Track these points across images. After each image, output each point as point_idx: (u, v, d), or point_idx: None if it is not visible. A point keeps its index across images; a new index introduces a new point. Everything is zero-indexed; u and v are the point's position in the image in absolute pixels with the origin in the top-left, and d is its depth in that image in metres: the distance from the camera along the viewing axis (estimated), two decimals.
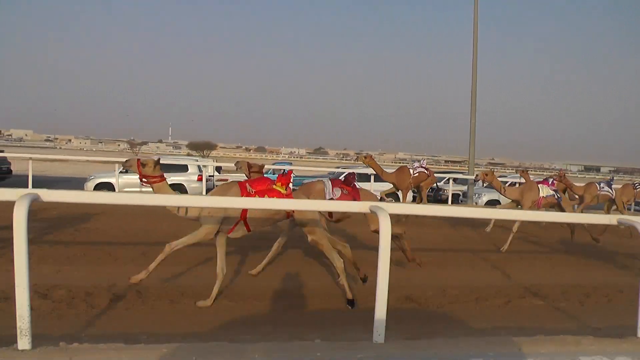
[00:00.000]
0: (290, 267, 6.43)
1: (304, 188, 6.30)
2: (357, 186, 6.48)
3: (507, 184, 12.81)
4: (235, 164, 7.18)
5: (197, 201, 4.72)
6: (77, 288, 4.86)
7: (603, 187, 11.47)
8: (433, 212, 5.27)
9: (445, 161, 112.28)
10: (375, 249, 3.41)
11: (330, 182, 6.22)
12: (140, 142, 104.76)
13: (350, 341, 3.18)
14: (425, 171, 11.40)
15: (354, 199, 6.15)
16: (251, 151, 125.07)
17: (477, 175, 9.50)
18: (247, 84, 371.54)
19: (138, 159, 4.84)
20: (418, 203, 11.41)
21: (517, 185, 12.55)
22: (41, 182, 14.38)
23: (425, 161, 12.11)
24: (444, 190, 18.54)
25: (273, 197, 4.75)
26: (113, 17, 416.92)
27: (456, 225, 10.85)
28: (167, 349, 2.86)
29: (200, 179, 15.51)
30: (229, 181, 5.72)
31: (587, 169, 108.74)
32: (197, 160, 17.18)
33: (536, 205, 9.21)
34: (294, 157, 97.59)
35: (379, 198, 7.55)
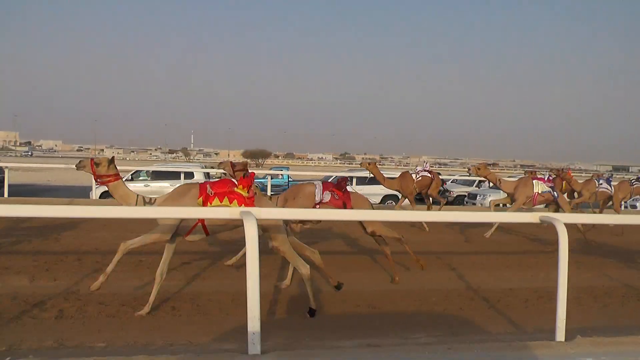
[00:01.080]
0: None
1: (294, 189, 6.26)
2: (350, 190, 6.49)
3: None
4: (219, 164, 7.26)
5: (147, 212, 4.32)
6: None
7: (602, 184, 11.22)
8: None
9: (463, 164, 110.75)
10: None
11: (321, 185, 6.20)
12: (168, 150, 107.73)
13: None
14: (429, 174, 11.05)
15: (344, 204, 6.16)
16: (280, 157, 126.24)
17: (469, 168, 9.34)
18: (273, 89, 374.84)
19: (92, 159, 4.77)
20: (428, 209, 11.17)
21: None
22: (31, 191, 14.83)
23: (428, 164, 11.85)
24: (451, 191, 19.10)
25: (234, 199, 4.68)
26: (145, 27, 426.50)
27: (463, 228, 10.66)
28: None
29: None
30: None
31: (616, 169, 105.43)
32: (203, 167, 17.34)
33: (531, 202, 8.93)
34: (323, 162, 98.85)
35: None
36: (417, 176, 10.95)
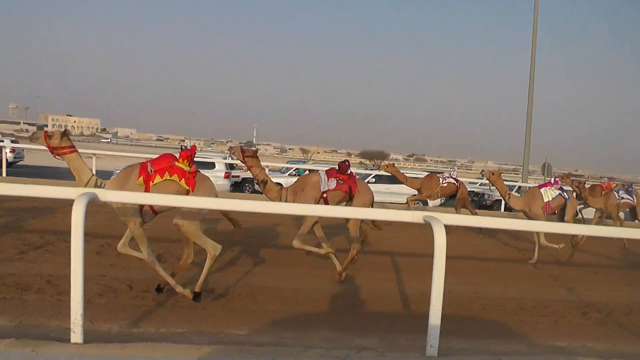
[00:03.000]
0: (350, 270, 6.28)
1: (301, 181, 6.35)
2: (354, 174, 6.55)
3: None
4: (228, 149, 7.24)
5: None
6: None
7: (622, 196, 10.37)
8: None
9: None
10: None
11: (325, 173, 6.29)
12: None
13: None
14: (455, 182, 10.99)
15: (350, 187, 6.25)
16: (352, 156, 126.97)
17: (482, 171, 8.82)
18: (346, 85, 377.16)
19: (45, 131, 4.74)
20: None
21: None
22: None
23: (456, 172, 11.59)
24: (489, 195, 19.06)
25: (174, 174, 4.62)
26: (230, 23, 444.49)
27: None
28: (211, 349, 3.05)
29: (227, 176, 15.69)
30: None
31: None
32: (225, 158, 17.35)
33: (545, 212, 8.28)
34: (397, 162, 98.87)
35: None
36: (444, 181, 10.91)
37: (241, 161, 6.39)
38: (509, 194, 8.43)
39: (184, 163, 4.72)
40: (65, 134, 4.69)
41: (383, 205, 13.28)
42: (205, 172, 15.10)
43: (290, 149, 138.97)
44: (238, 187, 17.70)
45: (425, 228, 3.57)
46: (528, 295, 5.94)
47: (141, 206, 4.53)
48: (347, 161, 6.61)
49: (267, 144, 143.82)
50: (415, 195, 11.29)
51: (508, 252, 9.14)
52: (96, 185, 4.54)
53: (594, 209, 10.56)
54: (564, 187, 8.55)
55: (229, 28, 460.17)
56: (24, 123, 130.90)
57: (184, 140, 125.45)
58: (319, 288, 5.54)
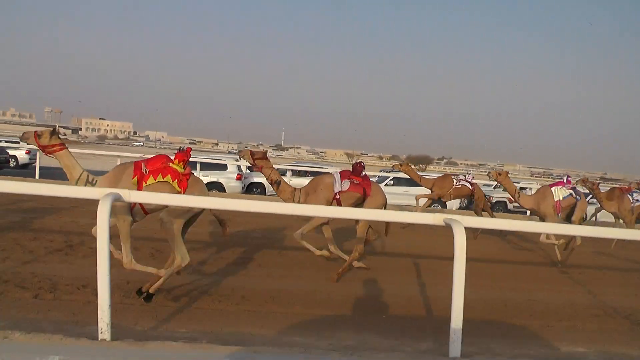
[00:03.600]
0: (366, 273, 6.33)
1: (314, 182, 6.38)
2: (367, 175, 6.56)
3: None
4: (238, 153, 7.34)
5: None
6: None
7: (638, 198, 9.94)
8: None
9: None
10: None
11: (339, 174, 6.33)
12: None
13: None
14: (469, 185, 10.96)
15: (364, 189, 6.25)
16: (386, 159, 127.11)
17: (489, 172, 8.78)
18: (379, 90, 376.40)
19: (35, 131, 4.80)
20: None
21: None
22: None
23: (472, 175, 11.53)
24: (489, 197, 19.29)
25: (167, 175, 4.59)
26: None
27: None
28: (232, 351, 3.09)
29: (239, 178, 15.62)
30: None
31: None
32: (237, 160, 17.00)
33: (555, 211, 8.10)
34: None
35: None
36: (457, 183, 10.95)
37: (251, 164, 6.40)
38: (518, 193, 8.32)
39: (179, 165, 4.69)
40: (54, 132, 4.72)
41: (401, 207, 13.23)
42: (218, 174, 15.54)
43: (322, 152, 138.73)
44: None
45: (446, 230, 3.54)
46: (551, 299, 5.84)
47: (132, 205, 4.46)
48: (362, 162, 6.59)
49: (297, 147, 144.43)
50: (426, 193, 11.31)
51: (520, 254, 9.01)
52: (87, 182, 4.59)
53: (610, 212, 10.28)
54: (577, 188, 8.36)
55: (263, 34, 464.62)
56: (59, 126, 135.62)
57: (217, 144, 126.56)
58: (340, 291, 5.53)
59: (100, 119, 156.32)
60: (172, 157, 4.81)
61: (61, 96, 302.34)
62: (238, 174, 15.74)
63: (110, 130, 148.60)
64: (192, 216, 4.72)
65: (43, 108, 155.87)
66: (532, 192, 9.29)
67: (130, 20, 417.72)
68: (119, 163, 8.86)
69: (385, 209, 6.36)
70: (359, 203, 6.27)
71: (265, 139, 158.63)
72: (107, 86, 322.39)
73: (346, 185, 6.16)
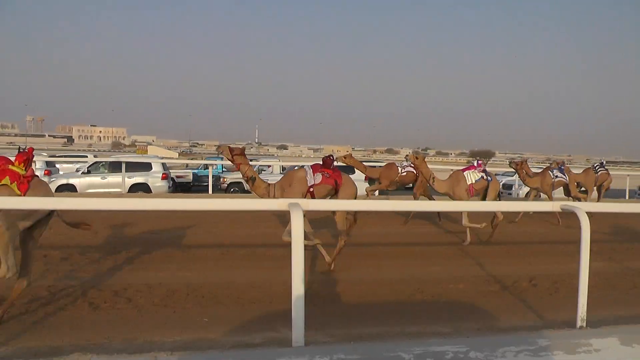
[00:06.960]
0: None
1: (287, 177, 6.55)
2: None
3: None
4: (216, 149, 7.32)
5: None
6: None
7: (557, 175, 11.24)
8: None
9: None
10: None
11: (311, 168, 6.50)
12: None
13: None
14: (414, 170, 10.53)
15: (336, 181, 6.50)
16: (376, 152, 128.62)
17: (406, 155, 9.10)
18: (375, 85, 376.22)
19: None
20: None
21: None
22: None
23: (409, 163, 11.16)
24: None
25: (5, 177, 4.18)
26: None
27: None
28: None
29: (164, 178, 15.08)
30: None
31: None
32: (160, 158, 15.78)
33: (469, 194, 8.62)
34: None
35: None
36: (403, 170, 10.85)
37: (229, 160, 6.43)
38: (433, 178, 8.62)
39: (19, 166, 4.34)
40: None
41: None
42: (143, 175, 14.87)
43: (320, 148, 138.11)
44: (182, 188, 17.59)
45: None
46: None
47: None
48: (332, 155, 6.85)
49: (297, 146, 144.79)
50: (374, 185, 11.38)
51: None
52: None
53: (530, 188, 12.31)
54: (487, 171, 8.95)
55: (263, 34, 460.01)
56: (49, 135, 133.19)
57: (219, 146, 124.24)
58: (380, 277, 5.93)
59: (91, 125, 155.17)
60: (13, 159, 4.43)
61: (42, 104, 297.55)
62: (163, 174, 15.19)
63: (104, 136, 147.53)
64: (37, 222, 4.30)
65: (24, 117, 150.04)
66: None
67: (117, 28, 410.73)
68: None
69: (355, 198, 6.63)
70: (332, 194, 6.54)
71: (265, 138, 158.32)
72: (92, 93, 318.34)
73: (319, 178, 6.37)
